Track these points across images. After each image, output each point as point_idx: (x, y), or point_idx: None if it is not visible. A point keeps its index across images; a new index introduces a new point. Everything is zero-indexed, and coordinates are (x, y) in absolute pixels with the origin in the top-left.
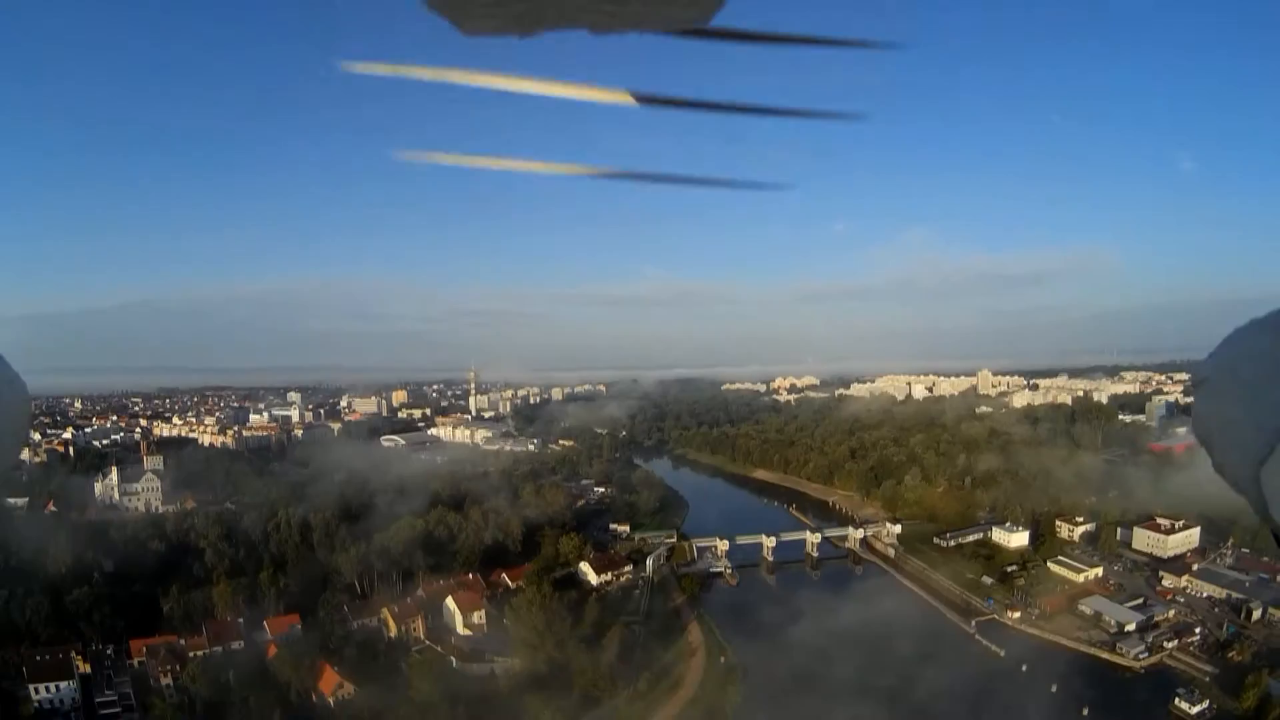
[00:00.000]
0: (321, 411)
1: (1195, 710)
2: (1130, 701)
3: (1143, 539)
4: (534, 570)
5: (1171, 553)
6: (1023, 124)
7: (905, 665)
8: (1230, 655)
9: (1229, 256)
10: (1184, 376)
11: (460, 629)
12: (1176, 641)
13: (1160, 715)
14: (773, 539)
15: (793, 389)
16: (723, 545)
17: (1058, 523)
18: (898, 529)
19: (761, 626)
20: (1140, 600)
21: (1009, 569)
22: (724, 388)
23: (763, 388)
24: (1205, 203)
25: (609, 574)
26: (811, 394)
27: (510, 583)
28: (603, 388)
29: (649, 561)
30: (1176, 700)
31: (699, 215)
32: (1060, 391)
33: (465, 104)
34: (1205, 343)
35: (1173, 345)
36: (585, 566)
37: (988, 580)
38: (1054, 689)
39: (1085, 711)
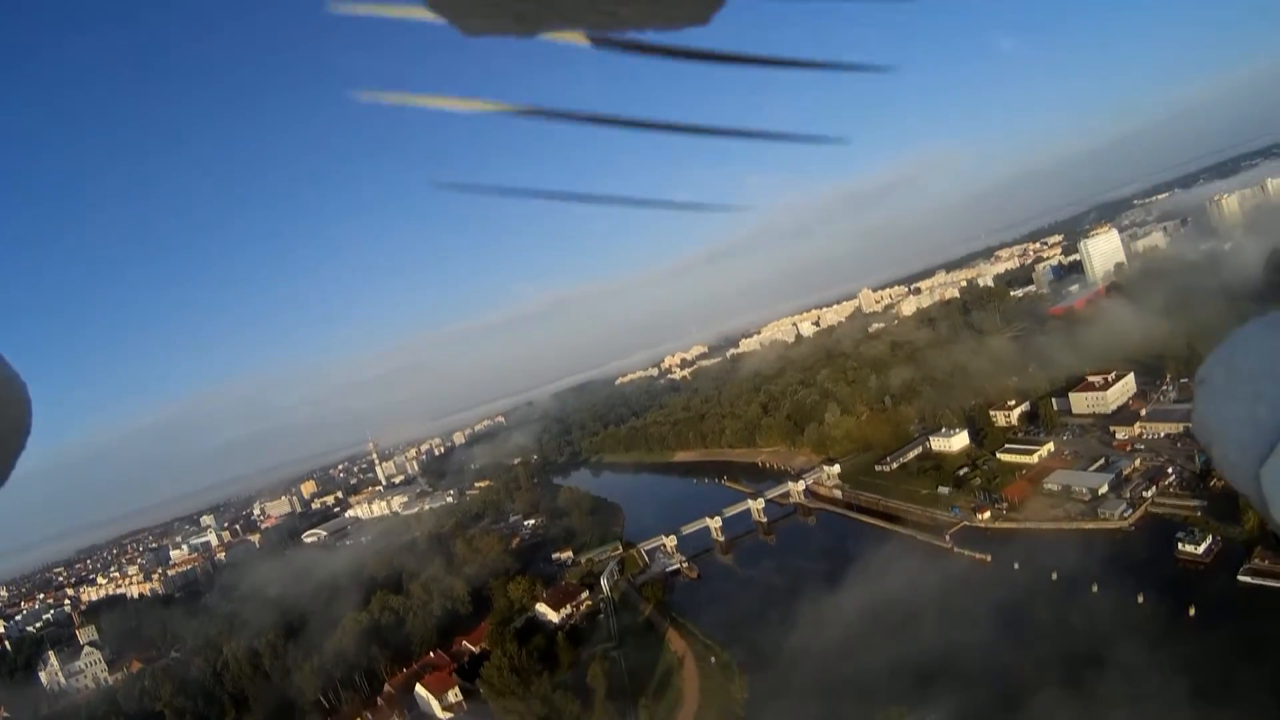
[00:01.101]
0: (238, 527)
1: (1201, 549)
2: (1133, 562)
3: (1081, 401)
4: (492, 627)
5: (1114, 406)
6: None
7: (901, 604)
8: (1213, 484)
9: (1056, 118)
10: (1057, 238)
11: (440, 713)
12: (1154, 488)
13: (1168, 564)
14: (717, 519)
15: (685, 364)
16: (670, 541)
17: (991, 412)
18: (836, 469)
19: (738, 610)
20: (1102, 461)
21: (960, 473)
22: (618, 382)
23: (655, 371)
24: (1024, 79)
25: (568, 607)
26: (704, 363)
27: (473, 647)
28: (501, 419)
29: (603, 581)
30: (1180, 545)
31: (553, 222)
32: (945, 288)
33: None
34: (1058, 201)
35: (1035, 211)
36: (542, 607)
37: (944, 490)
38: (1054, 576)
39: (1094, 588)
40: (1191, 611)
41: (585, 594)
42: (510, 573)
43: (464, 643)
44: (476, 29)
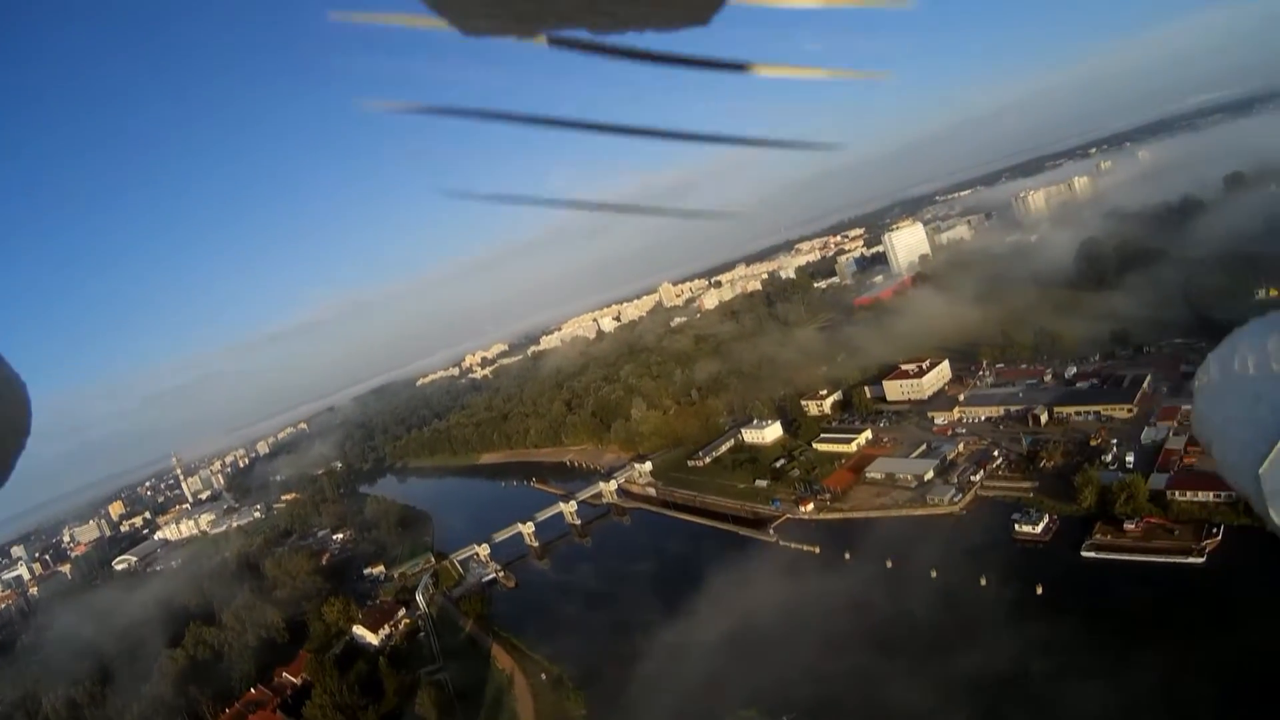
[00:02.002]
0: (49, 557)
1: (1039, 528)
2: (971, 545)
3: (896, 389)
4: (311, 656)
5: (930, 392)
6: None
7: (732, 603)
8: (1042, 464)
9: (856, 120)
10: (859, 231)
11: None
12: (982, 472)
13: (1007, 545)
14: (530, 524)
15: (485, 362)
16: (484, 549)
17: (804, 402)
18: (648, 466)
19: (562, 620)
20: (924, 447)
21: (778, 464)
22: (420, 383)
23: (457, 371)
24: (826, 80)
25: (386, 627)
26: (505, 361)
27: (294, 679)
28: (304, 426)
29: (419, 597)
30: (1017, 526)
31: (348, 222)
32: (747, 280)
33: None
34: (860, 197)
35: (836, 206)
36: (360, 629)
37: (762, 484)
38: (889, 564)
39: (934, 574)
40: (1039, 590)
41: (402, 612)
42: (324, 594)
43: (284, 674)
44: (476, 29)
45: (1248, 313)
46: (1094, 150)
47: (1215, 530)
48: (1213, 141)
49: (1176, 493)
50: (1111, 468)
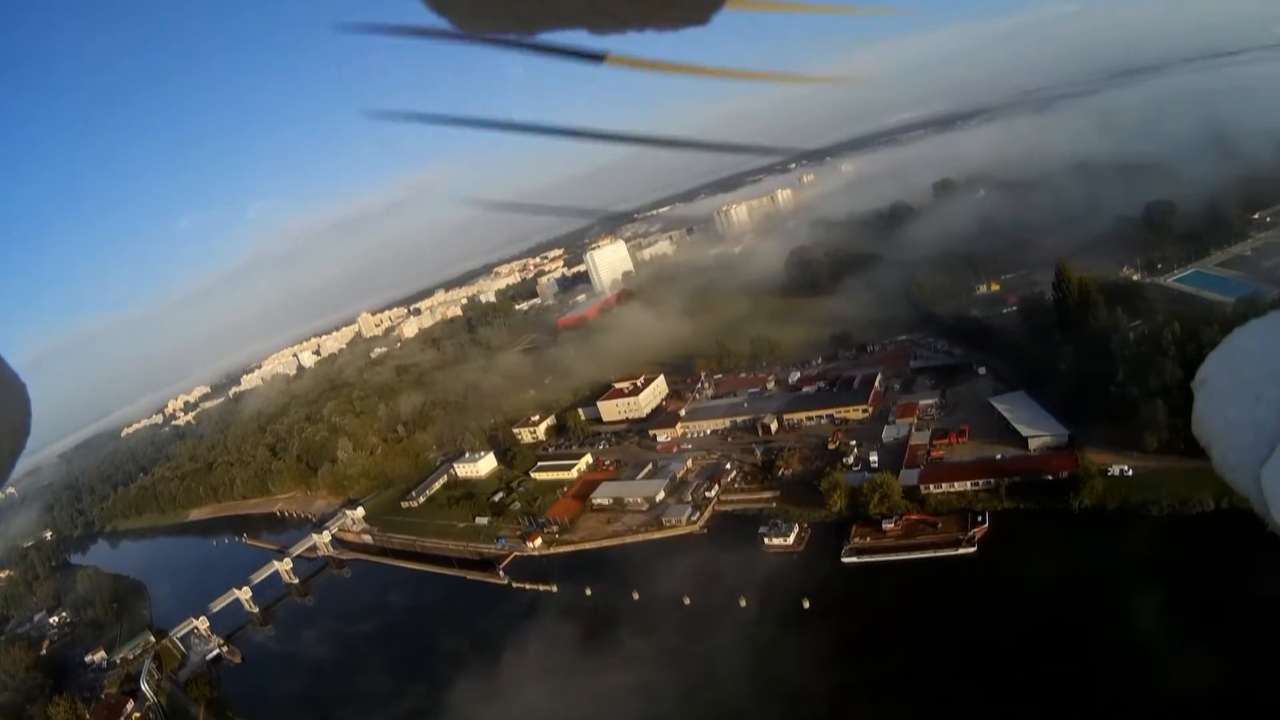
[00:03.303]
0: None
1: (791, 538)
2: (719, 565)
3: (612, 409)
4: None
5: (649, 409)
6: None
7: (473, 665)
8: (780, 473)
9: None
10: (558, 252)
11: None
12: (717, 487)
13: (759, 560)
14: (246, 588)
15: (188, 407)
16: (203, 622)
17: (516, 430)
18: (360, 511)
19: (296, 695)
20: (649, 466)
21: (496, 498)
22: (124, 434)
23: (160, 418)
24: (521, 101)
25: None
26: (208, 405)
27: None
28: (12, 490)
29: (144, 686)
30: (766, 539)
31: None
32: (447, 306)
33: None
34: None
35: (535, 228)
36: None
37: (482, 521)
38: (636, 596)
39: (687, 600)
40: (807, 604)
41: (131, 705)
42: (46, 690)
43: None
44: (476, 28)
45: (970, 305)
46: (794, 165)
47: (981, 518)
48: (917, 154)
49: (931, 486)
50: (856, 469)
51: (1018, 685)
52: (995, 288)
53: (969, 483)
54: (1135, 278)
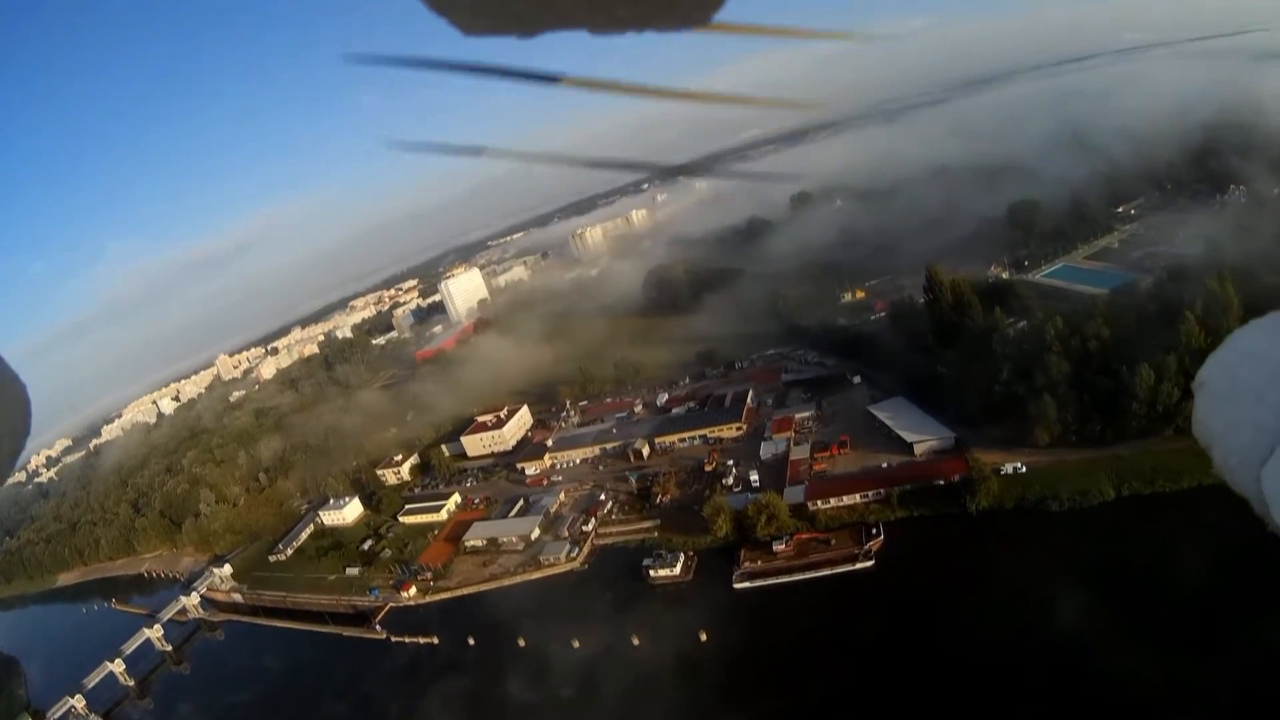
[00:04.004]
0: None
1: (677, 568)
2: (605, 603)
3: (476, 444)
4: None
5: (514, 441)
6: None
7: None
8: (658, 500)
9: (410, 171)
10: (413, 282)
11: None
12: (594, 519)
13: (646, 594)
14: (119, 661)
15: (50, 462)
16: (79, 701)
17: (379, 471)
18: (228, 569)
19: None
20: (520, 503)
21: (366, 546)
22: None
23: (24, 475)
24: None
25: None
26: (69, 459)
27: None
28: None
29: None
30: (651, 570)
31: None
32: (304, 344)
33: None
34: (413, 248)
35: (390, 259)
36: None
37: (353, 571)
38: (521, 643)
39: (576, 644)
40: (704, 637)
41: None
42: None
43: None
44: (476, 28)
45: (837, 314)
46: (648, 185)
47: (875, 531)
48: (770, 168)
49: (819, 502)
50: (738, 490)
51: (933, 704)
52: (860, 295)
53: (858, 495)
54: (1004, 276)
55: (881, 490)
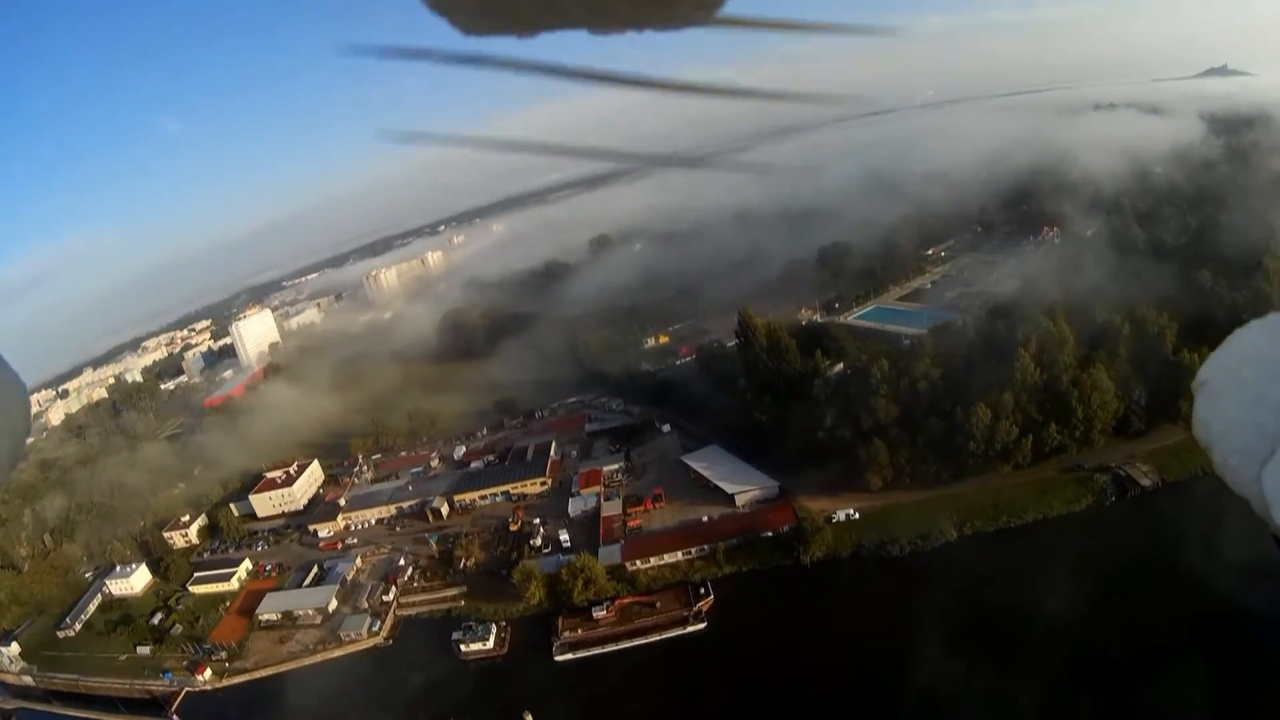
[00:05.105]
0: None
1: (490, 642)
2: (415, 684)
3: (266, 503)
4: None
5: (305, 500)
6: None
7: None
8: (462, 564)
9: (210, 203)
10: (206, 323)
11: None
12: (394, 588)
13: (459, 671)
14: None
15: None
16: None
17: (166, 534)
18: (15, 648)
19: None
20: (315, 569)
21: (156, 620)
22: None
23: None
24: (181, 162)
25: None
26: None
27: None
28: None
29: None
30: (462, 645)
31: None
32: (93, 387)
33: None
34: (207, 286)
35: (183, 298)
36: None
37: (144, 650)
38: None
39: None
40: (529, 718)
41: None
42: None
43: None
44: (476, 28)
45: (640, 359)
46: (444, 226)
47: (704, 589)
48: (568, 213)
49: (638, 562)
50: (547, 552)
51: None
52: (664, 339)
53: (680, 552)
54: (816, 318)
55: (705, 546)
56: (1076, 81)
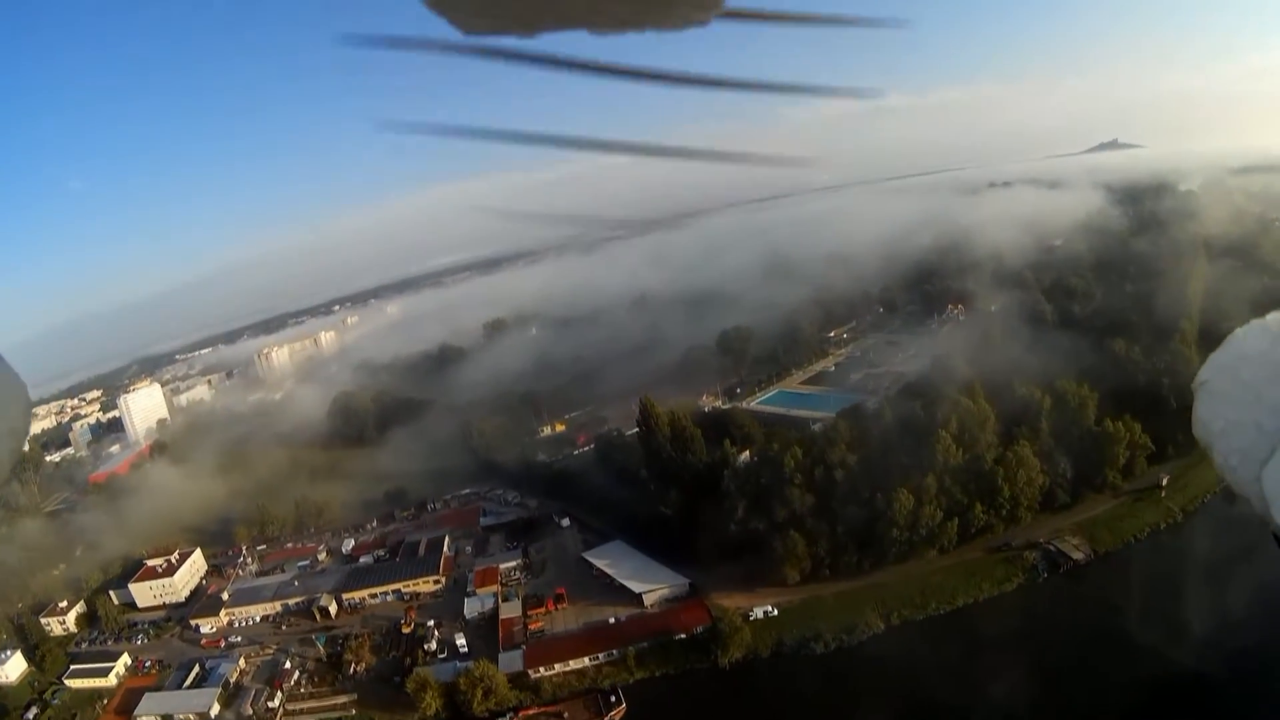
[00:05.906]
0: None
1: None
2: None
3: (146, 592)
4: None
5: (186, 591)
6: None
7: None
8: (351, 669)
9: (107, 267)
10: (96, 393)
11: None
12: (280, 693)
13: None
14: None
15: None
16: None
17: (44, 621)
18: None
19: None
20: (196, 669)
21: (29, 716)
22: None
23: None
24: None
25: None
26: None
27: None
28: None
29: None
30: None
31: None
32: None
33: None
34: (100, 354)
35: (76, 365)
36: None
37: None
38: None
39: None
40: None
41: None
42: None
43: None
44: (476, 28)
45: (536, 448)
46: (338, 306)
47: (615, 698)
48: (464, 295)
49: (541, 669)
50: (443, 657)
51: None
52: (561, 427)
53: (586, 658)
54: (718, 404)
55: (614, 650)
56: (973, 161)
